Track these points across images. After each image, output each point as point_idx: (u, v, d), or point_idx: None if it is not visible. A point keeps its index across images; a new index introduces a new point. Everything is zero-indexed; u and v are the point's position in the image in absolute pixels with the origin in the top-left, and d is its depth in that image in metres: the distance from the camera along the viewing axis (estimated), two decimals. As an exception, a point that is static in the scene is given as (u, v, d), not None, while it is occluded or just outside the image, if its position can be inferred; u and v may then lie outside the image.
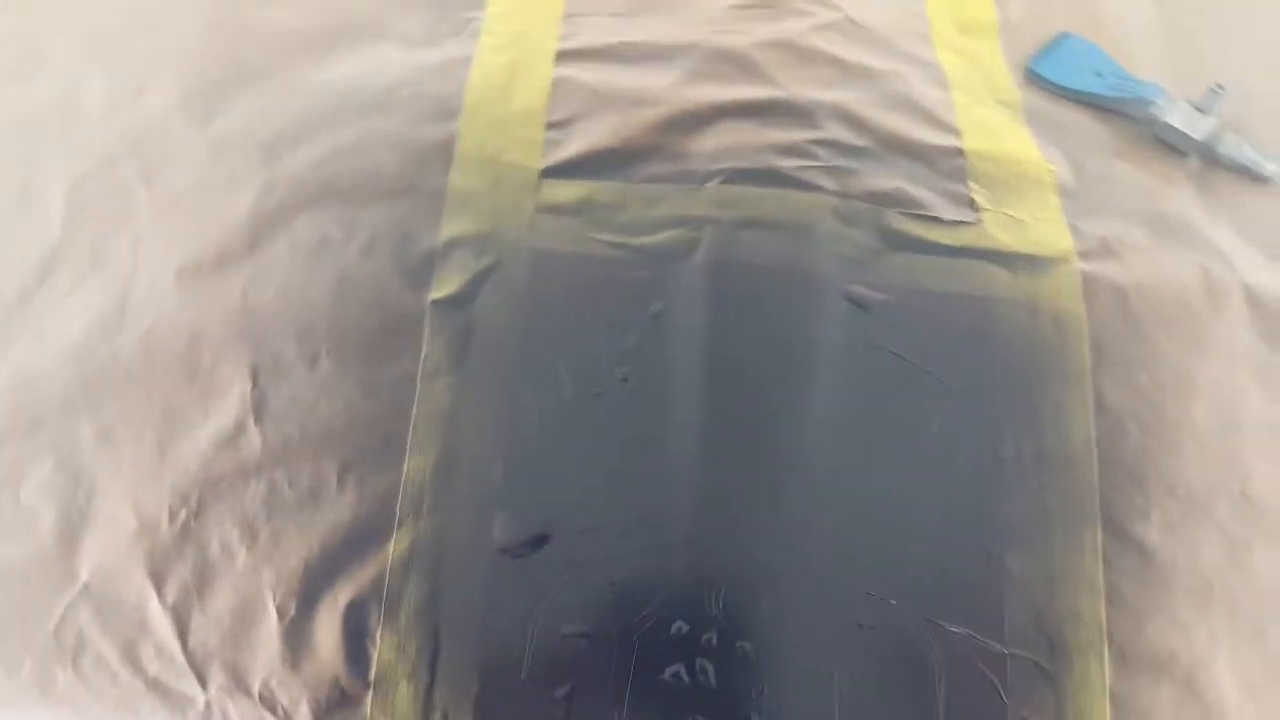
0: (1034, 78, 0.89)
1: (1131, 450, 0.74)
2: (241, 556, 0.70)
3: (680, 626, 0.68)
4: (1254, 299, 0.78)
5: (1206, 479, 0.74)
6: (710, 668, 0.68)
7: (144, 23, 0.87)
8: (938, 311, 0.76)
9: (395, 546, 0.69)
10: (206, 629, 0.69)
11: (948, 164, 0.81)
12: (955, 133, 0.83)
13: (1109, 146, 0.85)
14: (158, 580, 0.70)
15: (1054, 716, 0.68)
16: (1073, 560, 0.71)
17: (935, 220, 0.79)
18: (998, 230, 0.79)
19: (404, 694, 0.68)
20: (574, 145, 0.80)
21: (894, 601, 0.69)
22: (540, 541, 0.70)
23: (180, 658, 0.69)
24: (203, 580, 0.69)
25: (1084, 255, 0.78)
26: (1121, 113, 0.87)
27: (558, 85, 0.83)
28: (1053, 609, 0.70)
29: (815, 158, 0.80)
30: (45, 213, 0.78)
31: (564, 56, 0.85)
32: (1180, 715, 0.69)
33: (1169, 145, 0.86)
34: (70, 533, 0.71)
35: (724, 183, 0.79)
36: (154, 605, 0.69)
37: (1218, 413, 0.75)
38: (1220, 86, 0.85)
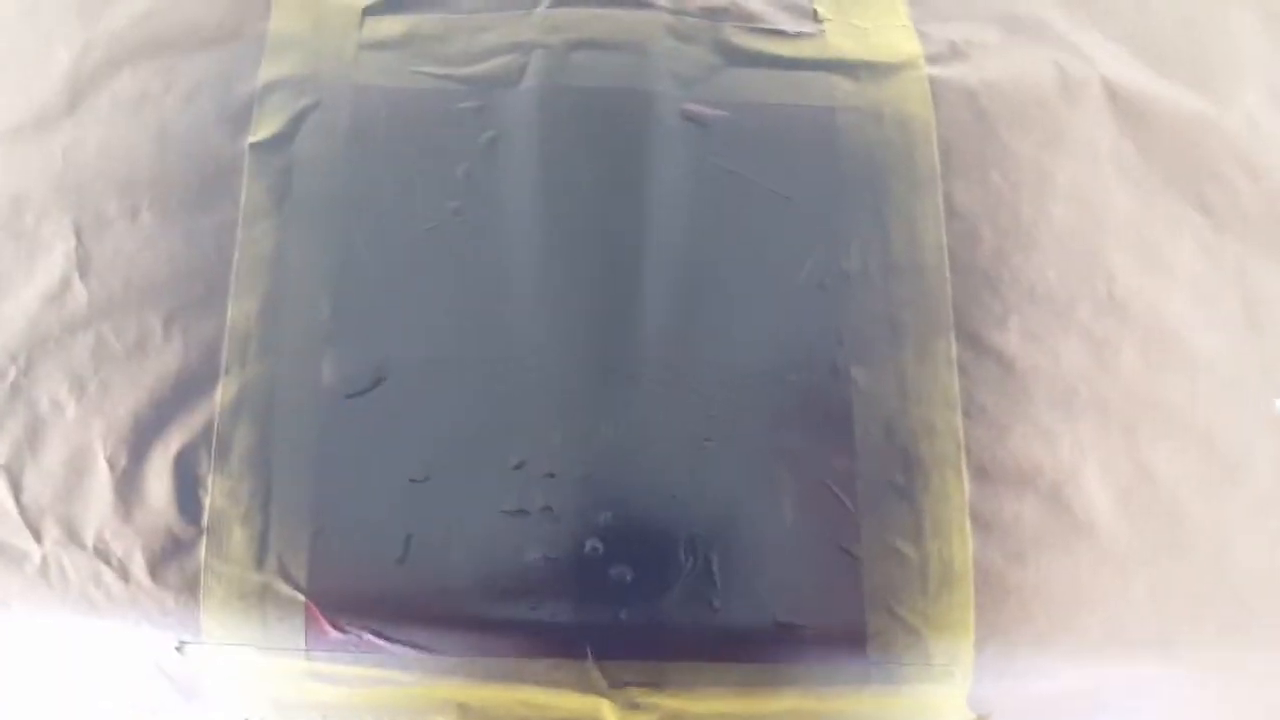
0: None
1: (986, 254, 0.71)
2: (71, 409, 0.69)
3: (520, 460, 0.67)
4: (1114, 92, 0.75)
5: (1068, 281, 0.71)
6: (551, 499, 0.67)
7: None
8: (778, 125, 0.74)
9: (223, 392, 0.68)
10: (39, 484, 0.68)
11: None
12: None
13: (960, -49, 0.82)
14: (-11, 438, 0.69)
15: (911, 533, 0.67)
16: (925, 371, 0.69)
17: (776, 33, 0.76)
18: (841, 40, 0.76)
19: (238, 538, 0.67)
20: None
21: (738, 417, 0.68)
22: (375, 382, 0.69)
23: (15, 514, 0.68)
24: (34, 435, 0.69)
25: (931, 59, 0.75)
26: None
27: None
28: (905, 422, 0.68)
29: (647, -25, 0.77)
30: None
31: None
32: (1047, 528, 0.67)
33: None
34: (-105, 397, 0.70)
35: (553, 6, 0.76)
36: (-14, 464, 0.69)
37: (1078, 211, 0.73)
38: None
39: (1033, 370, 0.69)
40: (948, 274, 0.70)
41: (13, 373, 0.70)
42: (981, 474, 0.68)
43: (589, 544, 0.66)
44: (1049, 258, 0.71)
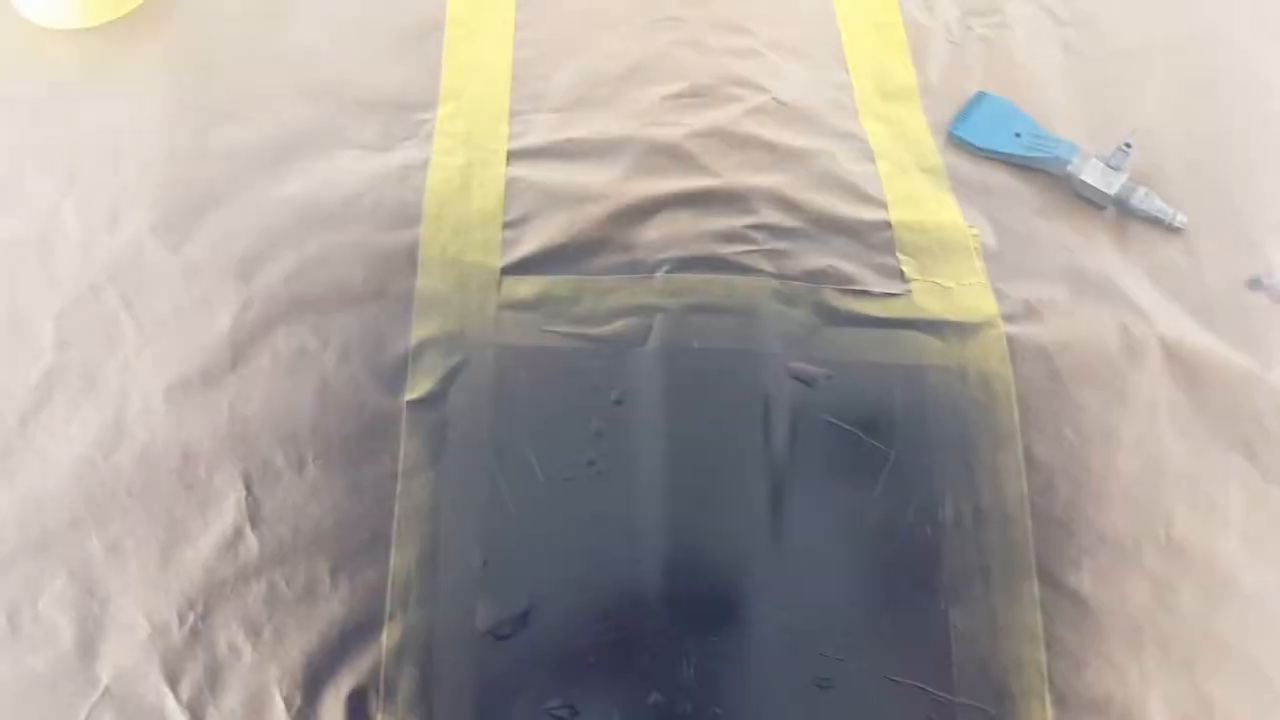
0: (955, 140, 0.96)
1: (1061, 504, 0.81)
2: (248, 654, 0.77)
3: (656, 697, 0.76)
4: (1170, 351, 0.86)
5: (1133, 527, 0.81)
6: None
7: (112, 154, 0.93)
8: (874, 382, 0.84)
9: (388, 637, 0.77)
10: (220, 723, 0.77)
11: (876, 237, 0.89)
12: (882, 205, 0.90)
13: (1030, 206, 0.93)
14: (173, 680, 0.77)
15: None
16: (1013, 612, 0.79)
17: (867, 294, 0.86)
18: (926, 299, 0.87)
19: (405, 776, 0.75)
20: (529, 243, 0.87)
21: (849, 660, 0.77)
22: (521, 623, 0.78)
23: (197, 751, 0.76)
24: (214, 678, 0.77)
25: (1008, 318, 0.86)
26: (1040, 171, 0.95)
27: (511, 185, 0.90)
28: (997, 658, 0.78)
29: (753, 242, 0.87)
30: (37, 340, 0.85)
31: (514, 156, 0.92)
32: None
33: (1087, 200, 0.94)
34: (88, 641, 0.78)
35: (670, 271, 0.86)
36: (171, 704, 0.76)
37: (1141, 462, 0.83)
38: (1128, 145, 0.92)
39: (1104, 609, 0.79)
40: (1029, 521, 0.81)
41: (192, 617, 0.78)
42: (1062, 703, 0.77)
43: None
44: (1116, 506, 0.81)
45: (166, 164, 0.92)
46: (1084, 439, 0.83)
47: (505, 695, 0.77)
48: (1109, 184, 0.92)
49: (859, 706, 0.77)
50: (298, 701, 0.76)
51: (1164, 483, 0.83)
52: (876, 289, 0.87)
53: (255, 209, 0.89)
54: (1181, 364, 0.86)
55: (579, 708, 0.76)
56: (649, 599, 0.78)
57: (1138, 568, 0.80)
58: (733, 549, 0.80)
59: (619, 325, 0.85)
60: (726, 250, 0.87)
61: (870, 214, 0.90)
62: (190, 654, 0.77)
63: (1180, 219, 0.92)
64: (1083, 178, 0.92)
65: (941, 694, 0.77)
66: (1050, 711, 0.77)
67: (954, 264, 0.89)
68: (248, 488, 0.80)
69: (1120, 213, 0.93)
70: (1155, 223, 0.92)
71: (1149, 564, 0.81)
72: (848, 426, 0.82)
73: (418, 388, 0.82)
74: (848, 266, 0.87)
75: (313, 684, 0.76)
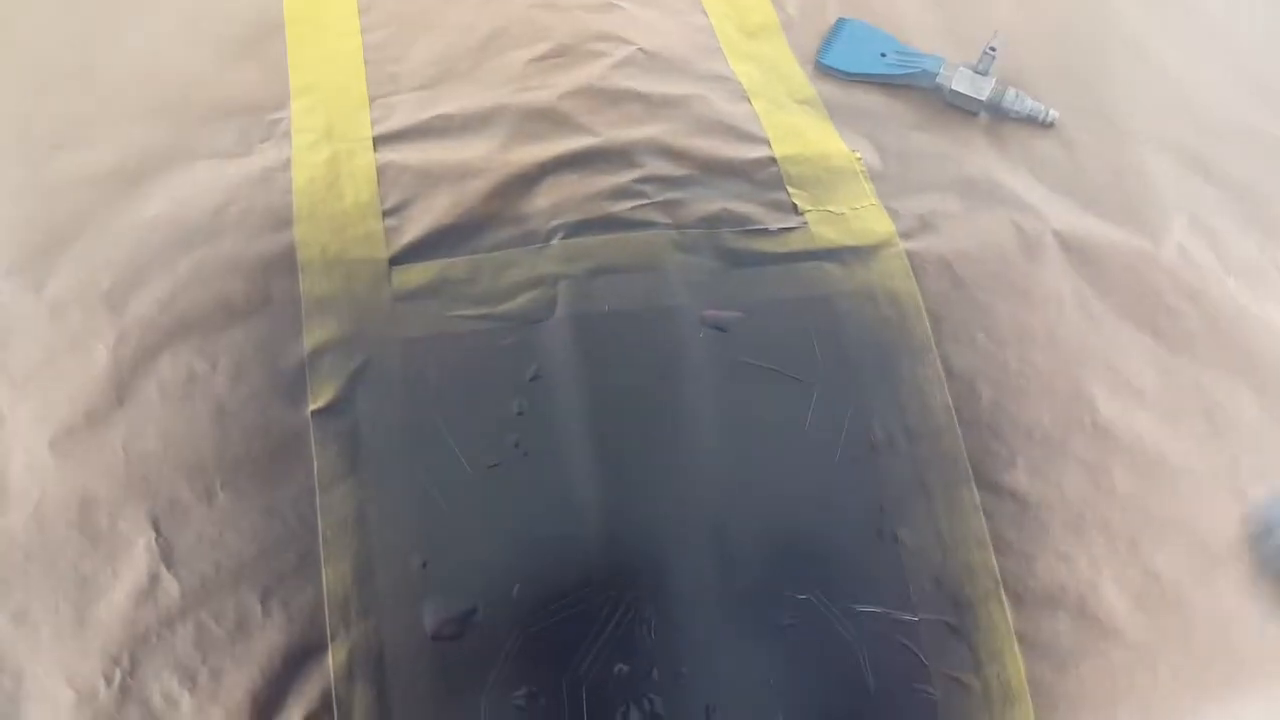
0: (824, 69, 1.01)
1: (986, 407, 0.86)
2: (186, 702, 0.76)
3: (621, 667, 0.78)
4: (1066, 243, 0.93)
5: (1058, 418, 0.87)
6: (658, 699, 0.78)
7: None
8: (787, 318, 0.87)
9: (334, 657, 0.77)
10: (166, 781, 0.76)
11: (764, 174, 0.93)
12: (764, 143, 0.94)
13: (906, 122, 0.99)
14: (107, 746, 0.76)
15: (971, 667, 0.80)
16: (956, 521, 0.83)
17: (765, 232, 0.90)
18: (822, 228, 0.91)
19: (372, 796, 0.76)
20: (415, 229, 0.88)
21: (808, 597, 0.81)
22: (471, 619, 0.79)
23: (142, 814, 0.75)
24: (152, 734, 0.76)
25: (905, 235, 0.91)
26: (911, 86, 1.01)
27: (383, 172, 0.91)
28: (949, 569, 0.82)
29: (644, 196, 0.90)
30: (-108, 413, 0.82)
31: (381, 141, 0.92)
32: (1080, 639, 0.82)
33: (959, 109, 0.99)
34: (7, 721, 0.76)
35: (566, 237, 0.88)
36: (110, 770, 0.76)
37: (1055, 354, 0.89)
38: (993, 49, 0.99)
39: (1043, 502, 0.85)
40: (958, 429, 0.86)
41: (119, 675, 0.76)
42: (1019, 600, 0.82)
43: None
44: (1038, 400, 0.87)
45: (8, 204, 0.89)
46: (997, 341, 0.88)
47: (466, 694, 0.78)
48: (979, 90, 0.98)
49: (825, 643, 0.80)
50: (248, 742, 0.76)
51: (1081, 370, 0.89)
52: (773, 226, 0.90)
53: (116, 236, 0.87)
54: (1078, 253, 0.92)
55: (544, 693, 0.78)
56: (598, 571, 0.80)
57: (1069, 457, 0.86)
58: (674, 507, 0.82)
59: (523, 299, 0.86)
60: (618, 208, 0.89)
61: (754, 152, 0.93)
62: (122, 714, 0.76)
63: (1052, 115, 0.98)
64: (953, 87, 0.98)
65: (903, 615, 0.81)
66: (1009, 611, 0.82)
67: (843, 190, 0.93)
68: (156, 529, 0.79)
69: (993, 117, 0.99)
70: (1028, 121, 0.99)
71: (1079, 451, 0.87)
72: (768, 365, 0.86)
73: (320, 396, 0.82)
74: (741, 207, 0.91)
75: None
